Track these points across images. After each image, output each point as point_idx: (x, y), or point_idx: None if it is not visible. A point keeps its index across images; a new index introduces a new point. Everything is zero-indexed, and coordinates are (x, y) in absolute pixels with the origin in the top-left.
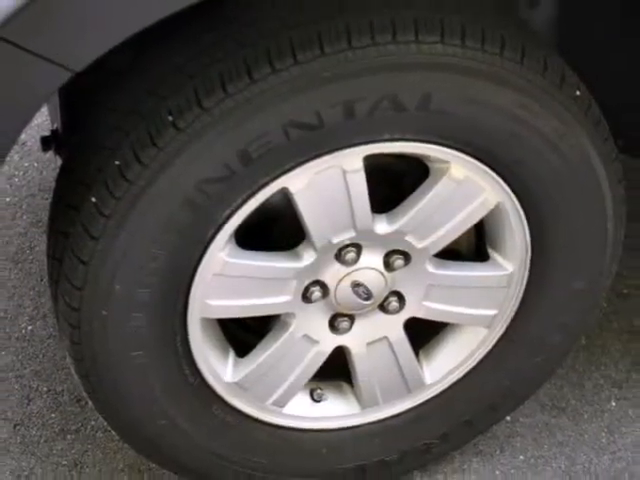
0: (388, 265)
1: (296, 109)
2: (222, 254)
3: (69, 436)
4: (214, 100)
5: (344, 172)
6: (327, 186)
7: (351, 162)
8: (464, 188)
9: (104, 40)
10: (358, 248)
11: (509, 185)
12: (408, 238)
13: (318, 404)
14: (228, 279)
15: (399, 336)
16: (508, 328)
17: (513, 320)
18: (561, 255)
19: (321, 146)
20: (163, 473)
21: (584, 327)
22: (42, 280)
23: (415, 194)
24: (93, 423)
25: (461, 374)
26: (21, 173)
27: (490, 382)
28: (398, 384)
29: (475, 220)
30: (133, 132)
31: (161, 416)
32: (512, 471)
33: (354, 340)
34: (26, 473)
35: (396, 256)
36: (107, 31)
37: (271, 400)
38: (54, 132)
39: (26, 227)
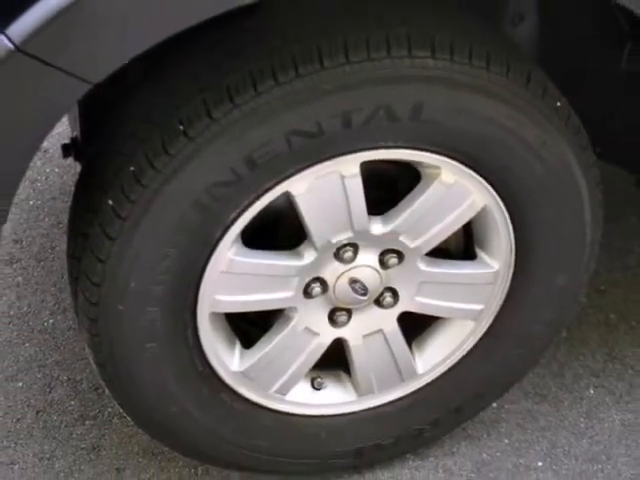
0: (383, 263)
1: (298, 119)
2: (229, 253)
3: (88, 422)
4: (222, 111)
5: (342, 177)
6: (327, 190)
7: (349, 168)
8: (453, 192)
9: (121, 53)
10: (355, 247)
11: (495, 189)
12: (402, 238)
13: (318, 392)
14: (235, 276)
15: (393, 329)
16: (494, 321)
17: (499, 314)
18: (543, 254)
19: (321, 153)
20: (175, 456)
21: (565, 321)
22: (63, 277)
23: (408, 197)
24: (110, 409)
25: (451, 364)
26: (43, 178)
27: (477, 371)
28: (392, 373)
29: (464, 221)
30: (147, 140)
31: (173, 403)
32: (498, 454)
33: (351, 332)
34: (48, 456)
35: (390, 255)
36: (123, 45)
37: (275, 388)
38: (74, 140)
39: (48, 228)
